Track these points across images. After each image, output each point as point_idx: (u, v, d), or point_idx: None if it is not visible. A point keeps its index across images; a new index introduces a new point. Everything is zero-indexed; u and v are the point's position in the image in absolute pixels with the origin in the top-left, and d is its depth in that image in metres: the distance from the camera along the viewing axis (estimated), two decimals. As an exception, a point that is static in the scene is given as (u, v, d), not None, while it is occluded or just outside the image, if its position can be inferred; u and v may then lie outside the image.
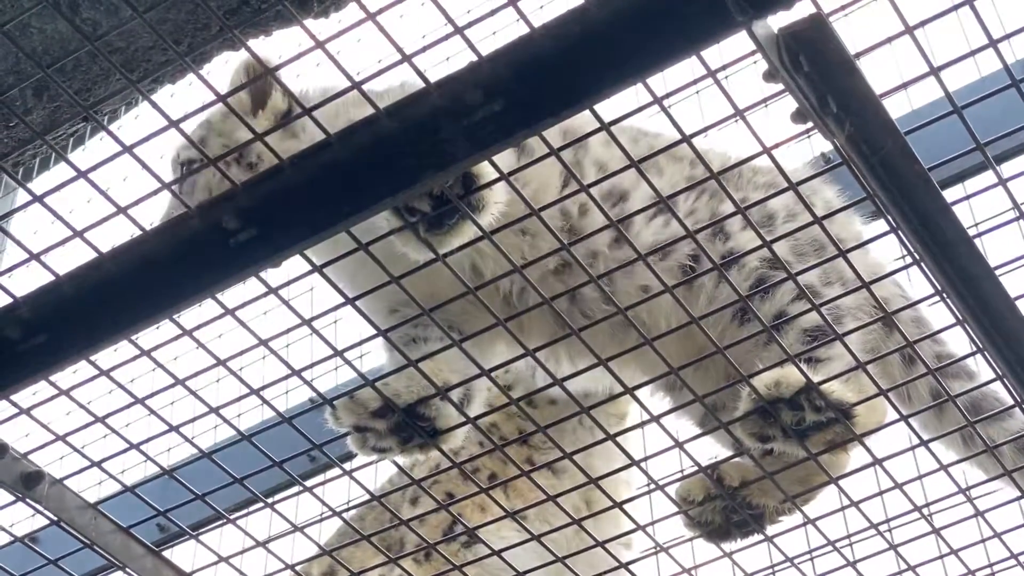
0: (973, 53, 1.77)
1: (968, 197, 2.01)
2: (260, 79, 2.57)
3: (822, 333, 2.43)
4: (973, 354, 2.06)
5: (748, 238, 2.62)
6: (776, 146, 1.81)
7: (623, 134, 1.86)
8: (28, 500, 2.32)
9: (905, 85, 1.77)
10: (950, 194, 1.85)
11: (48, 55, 2.68)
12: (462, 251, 2.16)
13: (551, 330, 2.52)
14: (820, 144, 3.59)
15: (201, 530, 2.91)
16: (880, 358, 2.40)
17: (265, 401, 2.25)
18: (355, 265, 2.04)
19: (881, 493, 2.41)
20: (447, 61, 3.49)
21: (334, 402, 2.43)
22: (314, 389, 2.26)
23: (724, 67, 1.69)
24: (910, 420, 2.24)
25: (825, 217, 1.92)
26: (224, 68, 2.86)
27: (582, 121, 1.97)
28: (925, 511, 2.38)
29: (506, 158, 2.06)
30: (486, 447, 2.59)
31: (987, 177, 1.92)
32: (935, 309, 2.06)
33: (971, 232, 1.85)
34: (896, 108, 1.80)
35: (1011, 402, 2.19)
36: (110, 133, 1.72)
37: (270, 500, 2.47)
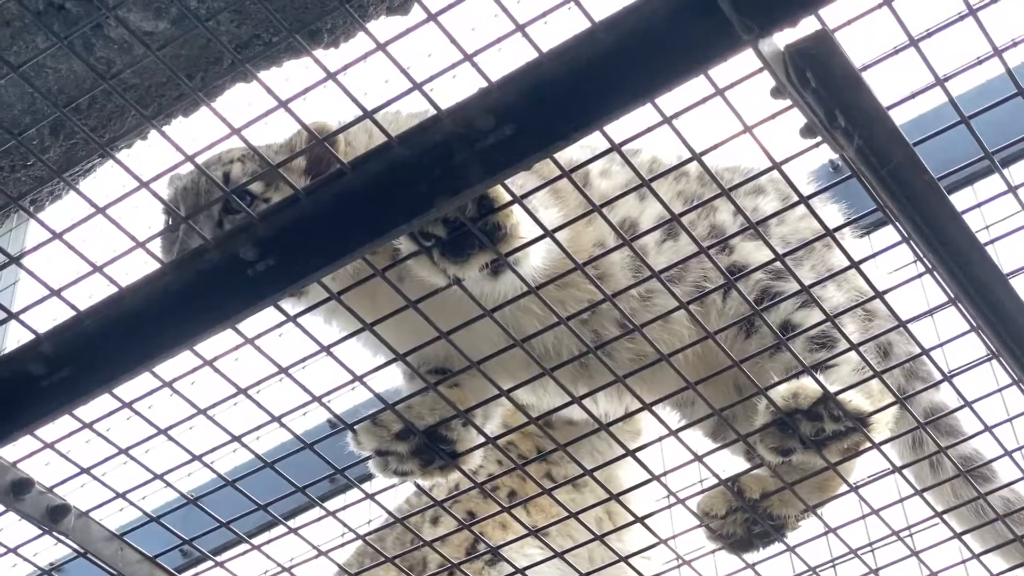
0: (978, 63, 1.78)
1: (979, 205, 2.02)
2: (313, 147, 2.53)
3: (828, 339, 2.45)
4: (987, 360, 2.07)
5: (749, 249, 2.64)
6: (786, 161, 1.82)
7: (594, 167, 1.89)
8: (55, 533, 2.33)
9: (911, 96, 1.78)
10: (960, 198, 1.86)
11: (64, 94, 2.70)
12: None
13: (575, 370, 2.52)
14: (827, 152, 3.58)
15: (224, 555, 2.91)
16: (894, 367, 2.41)
17: (285, 427, 2.26)
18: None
19: (902, 500, 2.41)
20: (453, 79, 3.50)
21: (355, 427, 2.44)
22: (334, 415, 2.27)
23: (732, 85, 1.70)
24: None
25: (837, 229, 1.96)
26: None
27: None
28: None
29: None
30: (505, 465, 2.60)
31: (997, 179, 1.92)
32: (947, 315, 2.06)
33: (982, 237, 1.86)
34: (902, 113, 1.81)
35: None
36: (128, 171, 1.74)
37: (292, 523, 2.48)
